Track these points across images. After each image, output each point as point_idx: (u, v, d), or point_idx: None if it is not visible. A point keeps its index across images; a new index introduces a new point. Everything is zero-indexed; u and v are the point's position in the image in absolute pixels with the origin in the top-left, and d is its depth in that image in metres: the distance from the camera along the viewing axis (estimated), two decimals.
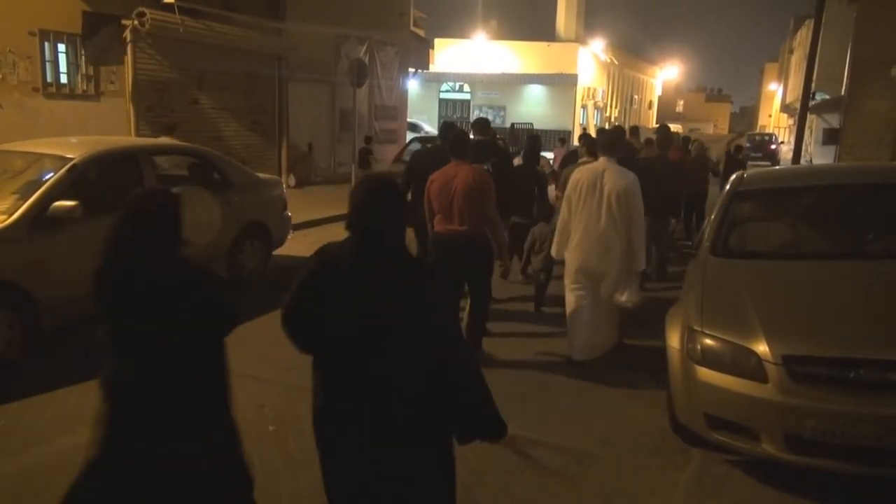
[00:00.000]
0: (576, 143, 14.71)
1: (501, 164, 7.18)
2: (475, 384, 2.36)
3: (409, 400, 2.29)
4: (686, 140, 11.69)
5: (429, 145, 9.82)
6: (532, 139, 8.67)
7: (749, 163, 16.88)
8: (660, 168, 7.72)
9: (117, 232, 2.44)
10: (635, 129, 13.11)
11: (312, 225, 11.35)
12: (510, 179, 7.17)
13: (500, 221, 5.37)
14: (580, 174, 5.51)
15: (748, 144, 29.73)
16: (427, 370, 2.29)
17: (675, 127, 27.18)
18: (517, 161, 8.51)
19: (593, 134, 11.28)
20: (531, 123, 29.35)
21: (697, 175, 10.11)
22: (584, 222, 5.38)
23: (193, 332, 2.44)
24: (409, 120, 23.37)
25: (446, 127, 6.96)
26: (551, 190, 8.45)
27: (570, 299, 5.52)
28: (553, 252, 5.79)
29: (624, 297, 5.37)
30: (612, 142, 5.70)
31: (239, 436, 2.62)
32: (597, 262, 5.34)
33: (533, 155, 8.19)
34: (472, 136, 6.59)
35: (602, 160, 5.49)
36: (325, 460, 2.43)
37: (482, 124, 7.52)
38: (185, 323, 2.42)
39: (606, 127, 22.85)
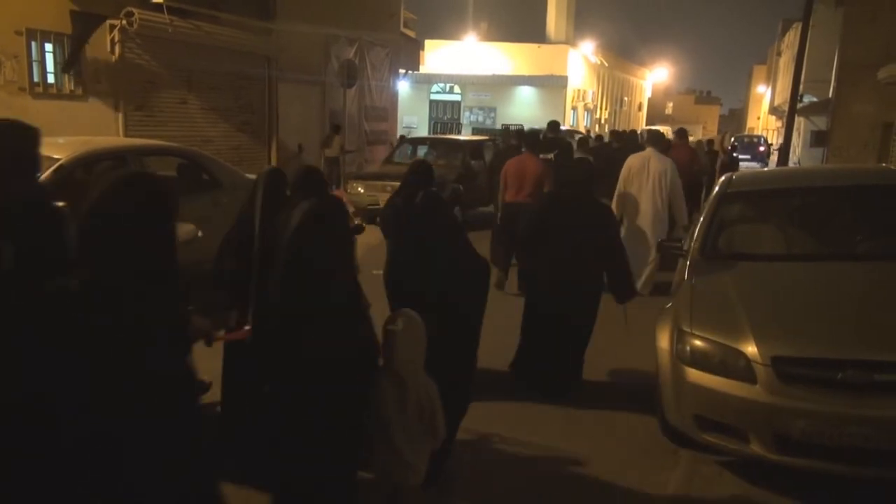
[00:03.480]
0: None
1: (564, 155, 9.92)
2: (625, 266, 5.04)
3: (593, 277, 4.84)
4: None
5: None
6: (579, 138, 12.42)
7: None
8: None
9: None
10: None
11: None
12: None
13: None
14: (633, 161, 7.84)
15: (736, 144, 31.36)
16: (602, 259, 4.86)
17: (664, 129, 27.50)
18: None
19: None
20: (522, 125, 29.37)
21: (690, 168, 11.53)
22: (637, 194, 7.64)
23: None
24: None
25: (521, 131, 9.86)
26: None
27: (630, 248, 7.24)
28: None
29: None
30: (657, 138, 8.56)
31: None
32: (649, 221, 7.60)
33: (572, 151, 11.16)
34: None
35: (648, 150, 7.93)
36: (529, 306, 5.00)
37: (554, 125, 11.26)
38: None
39: (597, 128, 24.33)
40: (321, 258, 2.48)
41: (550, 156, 9.70)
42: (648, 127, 32.93)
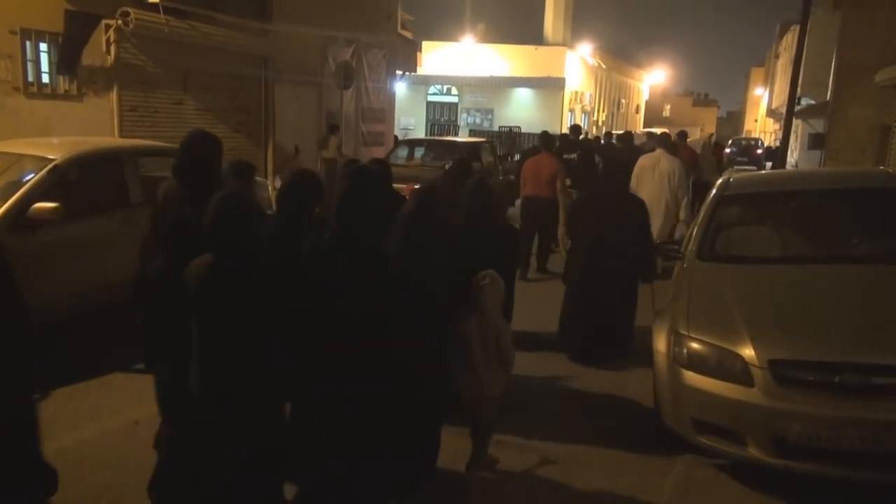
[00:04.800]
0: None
1: (586, 155, 11.26)
2: (650, 251, 5.66)
3: (624, 257, 5.43)
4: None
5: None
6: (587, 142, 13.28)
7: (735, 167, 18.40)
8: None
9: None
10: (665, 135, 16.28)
11: None
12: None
13: (566, 189, 8.69)
14: (644, 160, 8.76)
15: (732, 149, 32.30)
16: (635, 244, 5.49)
17: (661, 131, 27.66)
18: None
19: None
20: (519, 126, 29.40)
21: (695, 167, 12.50)
22: (647, 190, 8.16)
23: None
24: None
25: (543, 134, 10.36)
26: None
27: None
28: None
29: (677, 234, 8.30)
30: (665, 141, 9.41)
31: None
32: (658, 214, 8.00)
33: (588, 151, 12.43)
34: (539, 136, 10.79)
35: (658, 151, 8.86)
36: (571, 286, 5.75)
37: (576, 128, 13.14)
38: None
39: (594, 129, 24.94)
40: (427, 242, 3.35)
41: (574, 156, 11.07)
42: (646, 129, 33.04)
